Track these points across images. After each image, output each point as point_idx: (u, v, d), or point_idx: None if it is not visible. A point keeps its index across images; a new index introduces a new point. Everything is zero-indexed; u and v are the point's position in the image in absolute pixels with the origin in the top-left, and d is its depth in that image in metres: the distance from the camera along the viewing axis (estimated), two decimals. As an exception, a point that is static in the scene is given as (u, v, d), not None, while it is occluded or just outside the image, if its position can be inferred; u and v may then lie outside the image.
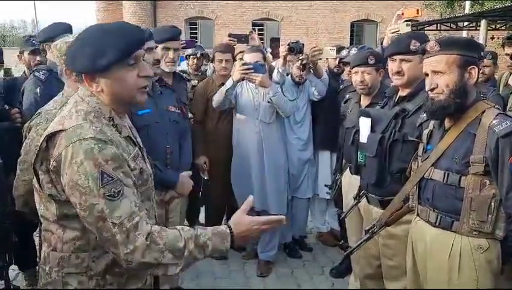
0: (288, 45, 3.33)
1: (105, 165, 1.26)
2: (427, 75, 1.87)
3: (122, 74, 1.35)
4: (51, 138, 1.34)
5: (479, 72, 1.84)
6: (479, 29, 10.55)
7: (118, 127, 1.41)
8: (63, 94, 2.03)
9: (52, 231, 1.39)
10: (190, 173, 2.39)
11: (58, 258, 1.39)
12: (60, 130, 1.32)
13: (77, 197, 1.27)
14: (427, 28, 12.41)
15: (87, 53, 1.32)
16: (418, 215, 2.04)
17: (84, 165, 1.25)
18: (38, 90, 2.70)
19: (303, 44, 3.40)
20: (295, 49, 3.33)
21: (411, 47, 2.24)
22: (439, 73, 1.82)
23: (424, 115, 2.08)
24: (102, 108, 1.39)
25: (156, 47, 2.44)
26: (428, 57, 1.86)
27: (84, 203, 1.26)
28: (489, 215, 1.74)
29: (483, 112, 1.79)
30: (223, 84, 3.34)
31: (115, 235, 1.25)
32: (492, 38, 12.46)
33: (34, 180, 1.41)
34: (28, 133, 1.98)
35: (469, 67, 1.81)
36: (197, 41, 4.17)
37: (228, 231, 1.36)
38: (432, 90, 1.84)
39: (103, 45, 1.32)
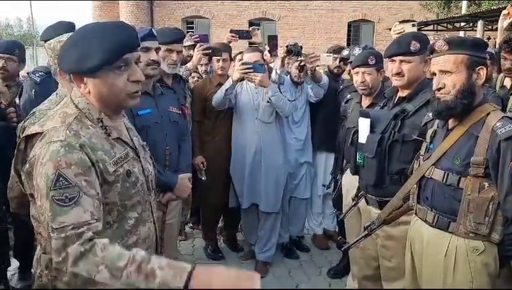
0: (287, 46, 3.31)
1: (66, 169, 1.20)
2: (434, 74, 1.85)
3: (110, 77, 1.32)
4: (30, 139, 1.32)
5: (487, 72, 1.82)
6: (475, 30, 10.57)
7: (108, 129, 1.38)
8: (57, 94, 2.01)
9: (41, 233, 1.37)
10: (189, 175, 2.36)
11: (47, 260, 1.36)
12: (39, 132, 1.30)
13: (38, 199, 1.23)
14: (424, 28, 12.43)
15: (74, 54, 1.30)
16: (416, 214, 2.03)
17: (45, 166, 1.21)
18: (33, 92, 2.70)
19: (301, 46, 3.39)
20: (293, 51, 3.32)
21: (411, 48, 2.22)
22: (447, 73, 1.79)
23: (430, 114, 2.06)
24: (92, 109, 1.37)
25: (158, 48, 2.40)
26: (436, 57, 1.83)
27: (41, 206, 1.21)
28: (487, 218, 1.73)
29: (488, 114, 1.78)
30: (220, 83, 3.32)
31: (52, 240, 1.16)
32: (489, 38, 12.49)
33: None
34: (22, 133, 1.95)
35: (477, 68, 1.78)
36: (207, 35, 4.06)
37: (189, 268, 1.12)
38: (438, 90, 1.82)
39: (90, 46, 1.28)
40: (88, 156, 1.26)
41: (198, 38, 3.78)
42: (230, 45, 3.69)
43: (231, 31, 3.70)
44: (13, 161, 1.46)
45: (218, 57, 3.46)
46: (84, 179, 1.23)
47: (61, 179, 1.19)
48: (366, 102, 2.90)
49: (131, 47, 1.35)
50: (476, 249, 1.76)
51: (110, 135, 1.39)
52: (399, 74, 2.27)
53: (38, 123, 1.36)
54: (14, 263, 3.19)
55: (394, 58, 2.28)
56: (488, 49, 2.23)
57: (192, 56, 3.47)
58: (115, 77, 1.32)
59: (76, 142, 1.25)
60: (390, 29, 3.14)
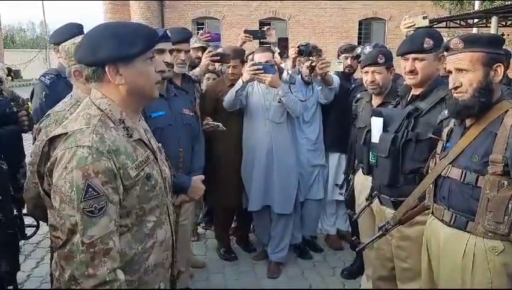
0: (298, 47, 3.30)
1: (94, 178, 1.23)
2: (450, 72, 1.82)
3: (145, 66, 1.38)
4: (53, 141, 1.33)
5: (505, 69, 1.78)
6: (489, 26, 10.42)
7: (129, 130, 1.39)
8: (71, 96, 2.03)
9: (60, 237, 1.37)
10: (202, 177, 2.37)
11: None
12: (62, 134, 1.31)
13: (57, 202, 1.25)
14: (436, 25, 12.28)
15: (115, 41, 1.32)
16: (432, 214, 2.00)
17: (73, 173, 1.22)
18: (43, 94, 2.73)
19: (312, 46, 3.38)
20: (305, 51, 3.31)
21: (424, 45, 2.19)
22: (463, 71, 1.76)
23: (446, 112, 2.03)
24: (113, 110, 1.37)
25: (172, 49, 2.40)
26: (451, 55, 1.80)
27: (61, 211, 1.23)
28: (506, 217, 1.68)
29: (507, 111, 1.74)
30: (233, 84, 3.31)
31: (79, 254, 1.21)
32: (503, 35, 12.31)
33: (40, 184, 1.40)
34: (38, 135, 1.97)
35: (494, 65, 1.74)
36: (219, 34, 3.97)
37: None
38: (455, 88, 1.79)
39: (130, 34, 1.33)
40: (113, 162, 1.28)
41: (209, 37, 3.72)
42: (244, 45, 3.67)
43: (245, 32, 3.66)
44: (30, 162, 1.47)
45: (228, 64, 3.43)
46: (111, 186, 1.26)
47: (90, 189, 1.22)
48: (376, 101, 2.86)
49: (157, 38, 1.44)
50: (495, 249, 1.72)
51: (132, 136, 1.40)
52: (412, 71, 2.24)
53: (62, 125, 1.37)
54: (29, 264, 3.23)
55: (407, 56, 2.25)
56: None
57: (200, 58, 3.45)
58: (148, 67, 1.39)
59: (103, 148, 1.26)
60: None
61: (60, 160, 1.25)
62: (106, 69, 1.33)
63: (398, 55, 2.36)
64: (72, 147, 1.25)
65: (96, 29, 1.38)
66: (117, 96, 1.38)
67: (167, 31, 2.31)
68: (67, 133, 1.29)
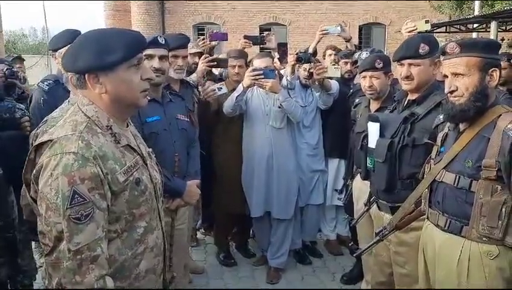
0: (297, 54, 3.32)
1: (80, 185, 1.22)
2: (446, 76, 1.82)
3: (128, 74, 1.34)
4: (39, 147, 1.33)
5: (500, 74, 1.78)
6: (489, 31, 10.43)
7: (117, 136, 1.39)
8: (69, 101, 2.04)
9: (48, 244, 1.35)
10: (198, 181, 2.37)
11: None
12: (48, 141, 1.30)
13: (43, 209, 1.24)
14: (436, 30, 12.30)
15: (93, 50, 1.29)
16: (428, 219, 2.00)
17: (58, 180, 1.21)
18: (41, 100, 2.74)
19: (311, 53, 3.39)
20: (303, 58, 3.32)
21: (420, 51, 2.20)
22: (459, 75, 1.76)
23: (441, 116, 2.03)
24: (100, 116, 1.36)
25: (164, 56, 2.41)
26: (447, 59, 1.80)
27: (48, 218, 1.23)
28: (500, 222, 1.68)
29: (500, 115, 1.74)
30: (233, 89, 3.32)
31: (66, 261, 1.20)
32: (503, 39, 12.33)
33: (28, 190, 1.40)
34: (35, 141, 1.98)
35: (490, 70, 1.75)
36: (227, 34, 3.77)
37: None
38: (451, 92, 1.79)
39: (110, 42, 1.30)
40: (100, 167, 1.27)
41: (215, 38, 3.66)
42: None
43: (245, 37, 3.66)
44: (23, 170, 1.48)
45: (234, 63, 3.42)
46: (98, 192, 1.25)
47: (76, 196, 1.21)
48: (374, 106, 2.87)
49: (144, 45, 1.41)
50: (490, 253, 1.72)
51: (120, 142, 1.39)
52: (408, 77, 2.25)
53: (49, 132, 1.36)
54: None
55: (403, 61, 2.26)
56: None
57: (197, 64, 3.45)
58: (132, 74, 1.35)
59: (89, 154, 1.25)
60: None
61: (45, 167, 1.25)
62: (86, 77, 1.33)
63: (394, 61, 2.37)
64: (57, 154, 1.24)
65: (80, 37, 1.37)
66: (102, 103, 1.37)
67: (157, 37, 2.31)
68: (52, 140, 1.29)
